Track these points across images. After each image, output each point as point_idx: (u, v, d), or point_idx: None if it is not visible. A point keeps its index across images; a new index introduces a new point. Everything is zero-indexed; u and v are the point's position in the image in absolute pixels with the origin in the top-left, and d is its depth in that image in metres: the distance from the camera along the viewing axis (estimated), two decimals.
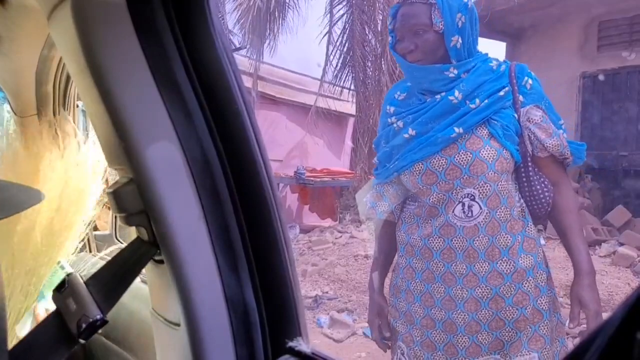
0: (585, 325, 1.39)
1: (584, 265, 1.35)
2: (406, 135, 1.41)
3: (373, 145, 1.62)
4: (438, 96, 1.39)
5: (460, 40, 1.35)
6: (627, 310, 0.20)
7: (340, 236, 6.43)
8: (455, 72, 1.37)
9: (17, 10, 0.85)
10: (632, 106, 6.74)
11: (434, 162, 1.37)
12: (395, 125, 1.47)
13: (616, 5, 6.62)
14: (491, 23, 7.28)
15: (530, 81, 1.39)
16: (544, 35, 7.53)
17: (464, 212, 1.35)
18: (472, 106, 1.35)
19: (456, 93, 1.36)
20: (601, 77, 7.01)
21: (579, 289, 1.34)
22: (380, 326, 1.57)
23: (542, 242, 5.39)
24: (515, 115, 1.37)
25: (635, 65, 6.71)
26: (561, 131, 1.40)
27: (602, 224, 6.02)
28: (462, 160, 1.34)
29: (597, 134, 7.08)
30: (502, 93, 1.36)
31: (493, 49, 8.41)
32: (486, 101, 1.35)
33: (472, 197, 1.35)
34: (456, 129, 1.34)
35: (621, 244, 5.47)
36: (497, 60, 1.43)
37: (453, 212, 1.36)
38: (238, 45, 7.73)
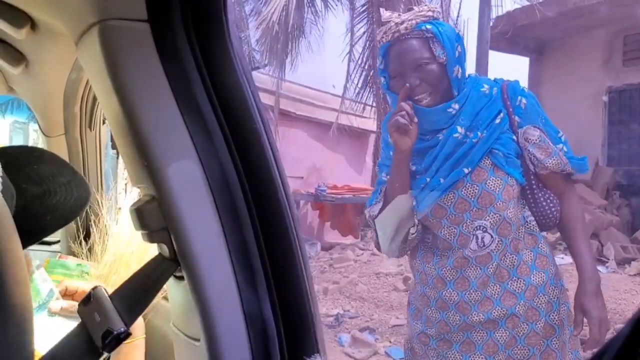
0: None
1: (587, 271, 1.35)
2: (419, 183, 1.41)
3: (377, 168, 1.59)
4: (440, 135, 1.38)
5: (460, 70, 1.35)
6: (632, 326, 0.20)
7: (362, 253, 6.38)
8: (457, 107, 1.36)
9: (46, 35, 0.89)
10: None
11: (442, 197, 1.37)
12: None
13: None
14: (513, 39, 7.25)
15: (524, 100, 1.37)
16: (567, 50, 7.45)
17: (477, 245, 1.36)
18: (475, 140, 1.34)
19: (459, 129, 1.35)
20: (628, 92, 6.88)
21: (582, 295, 1.34)
22: None
23: (565, 258, 5.27)
24: (514, 137, 1.37)
25: None
26: (561, 145, 1.38)
27: (631, 242, 5.85)
28: (469, 194, 1.35)
29: (624, 149, 6.92)
30: (498, 120, 1.35)
31: (516, 64, 8.36)
32: (485, 132, 1.34)
33: (484, 229, 1.35)
34: (465, 170, 1.34)
35: None
36: (487, 81, 1.41)
37: (469, 247, 1.36)
38: (257, 64, 7.84)
